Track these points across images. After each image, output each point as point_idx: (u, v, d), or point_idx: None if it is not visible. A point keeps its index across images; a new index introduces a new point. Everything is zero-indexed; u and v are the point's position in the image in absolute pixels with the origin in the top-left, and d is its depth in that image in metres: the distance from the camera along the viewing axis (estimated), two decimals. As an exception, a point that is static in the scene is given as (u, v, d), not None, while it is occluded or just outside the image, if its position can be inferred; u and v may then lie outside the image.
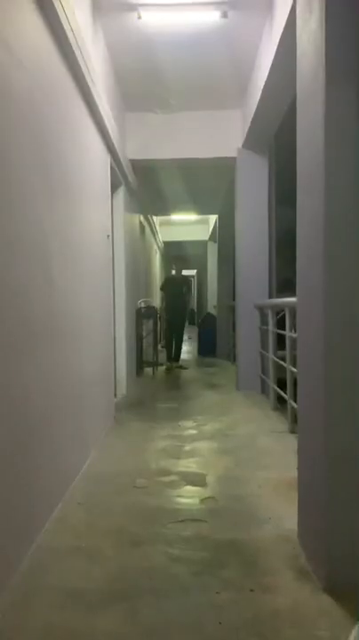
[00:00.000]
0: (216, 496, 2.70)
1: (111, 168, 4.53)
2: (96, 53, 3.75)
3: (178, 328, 8.09)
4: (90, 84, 3.21)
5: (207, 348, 9.40)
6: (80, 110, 3.24)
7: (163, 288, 8.26)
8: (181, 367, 7.87)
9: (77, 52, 2.85)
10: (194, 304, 8.88)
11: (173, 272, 8.25)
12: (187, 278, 8.69)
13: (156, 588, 1.85)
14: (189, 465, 3.24)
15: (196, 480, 2.95)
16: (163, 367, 7.82)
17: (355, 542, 1.78)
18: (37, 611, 1.73)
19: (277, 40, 3.49)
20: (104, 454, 3.46)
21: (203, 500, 2.65)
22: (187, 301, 8.66)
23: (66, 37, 2.65)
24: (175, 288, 8.05)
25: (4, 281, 1.87)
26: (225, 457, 3.37)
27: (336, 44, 1.77)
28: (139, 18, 3.81)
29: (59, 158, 2.69)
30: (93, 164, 3.68)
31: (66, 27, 2.59)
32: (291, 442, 3.41)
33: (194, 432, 4.05)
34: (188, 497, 2.70)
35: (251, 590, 1.82)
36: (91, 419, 3.45)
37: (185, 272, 8.46)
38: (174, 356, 8.04)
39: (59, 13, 2.46)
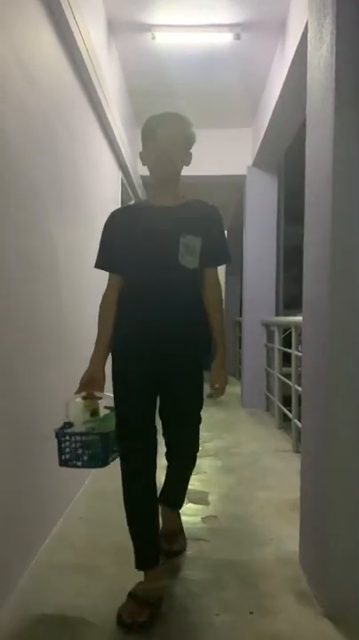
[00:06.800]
0: (218, 515, 2.69)
1: (122, 184, 4.58)
2: (110, 72, 3.82)
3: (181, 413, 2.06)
4: (103, 103, 3.27)
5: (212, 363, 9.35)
6: (93, 129, 3.30)
7: (99, 261, 2.12)
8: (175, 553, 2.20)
9: (92, 73, 2.90)
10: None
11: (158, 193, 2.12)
12: (212, 208, 2.18)
13: (155, 608, 1.84)
14: (191, 482, 3.21)
15: (198, 498, 2.93)
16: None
17: (358, 567, 1.77)
18: (36, 627, 1.72)
19: (289, 63, 3.55)
20: (106, 469, 3.44)
21: (204, 519, 2.64)
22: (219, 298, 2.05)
23: (81, 58, 2.70)
24: (160, 251, 1.87)
25: (14, 295, 1.89)
26: (228, 475, 3.35)
27: (346, 71, 1.79)
28: (154, 38, 3.90)
29: (71, 176, 2.72)
30: (105, 181, 3.73)
31: (81, 47, 2.64)
32: (295, 461, 3.38)
33: (197, 449, 4.03)
34: (190, 515, 2.69)
35: (251, 613, 1.81)
36: (94, 433, 3.43)
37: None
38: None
39: (74, 34, 2.51)
